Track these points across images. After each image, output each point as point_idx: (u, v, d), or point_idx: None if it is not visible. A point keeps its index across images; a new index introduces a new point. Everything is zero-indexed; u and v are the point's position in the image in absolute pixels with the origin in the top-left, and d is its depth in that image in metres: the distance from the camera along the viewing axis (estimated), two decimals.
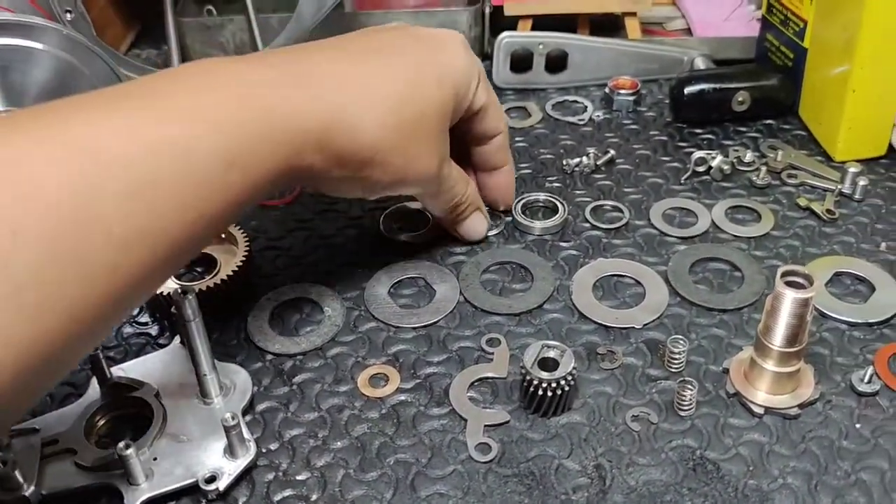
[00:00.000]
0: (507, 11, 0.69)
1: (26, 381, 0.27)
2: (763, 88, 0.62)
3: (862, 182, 0.54)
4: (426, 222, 0.53)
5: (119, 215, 0.29)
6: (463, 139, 0.47)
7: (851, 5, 0.53)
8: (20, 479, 0.36)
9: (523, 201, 0.54)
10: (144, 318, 0.47)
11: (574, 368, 0.39)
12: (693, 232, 0.52)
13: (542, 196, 0.54)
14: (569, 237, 0.52)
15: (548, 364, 0.39)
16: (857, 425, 0.39)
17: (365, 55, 0.41)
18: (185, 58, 0.69)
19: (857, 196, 0.54)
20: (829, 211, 0.52)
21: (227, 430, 0.36)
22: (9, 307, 0.26)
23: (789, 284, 0.37)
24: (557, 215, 0.53)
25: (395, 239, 0.52)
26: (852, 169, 0.54)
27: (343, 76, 0.39)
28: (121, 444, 0.35)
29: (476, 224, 0.50)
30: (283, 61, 0.38)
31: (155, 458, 0.37)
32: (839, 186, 0.54)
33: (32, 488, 0.36)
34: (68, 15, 0.56)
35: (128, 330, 0.46)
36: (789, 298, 0.37)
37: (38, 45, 0.49)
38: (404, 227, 0.53)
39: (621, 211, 0.54)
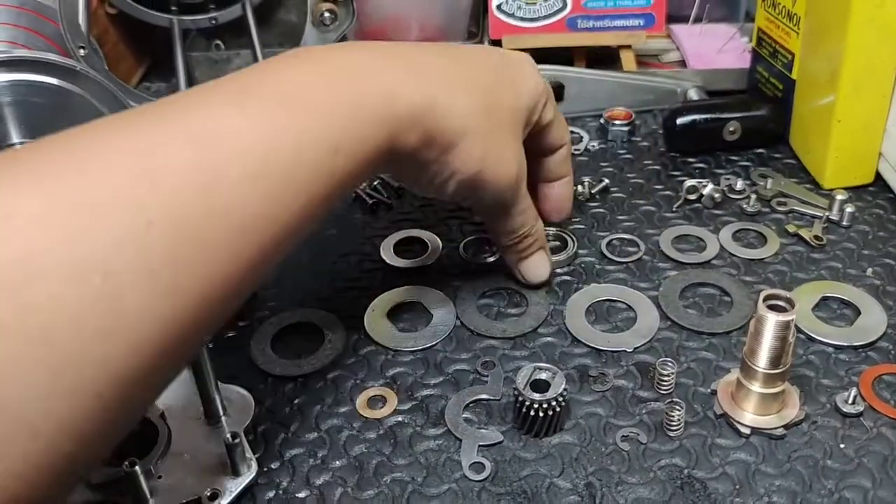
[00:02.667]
0: (505, 45, 0.71)
1: (162, 362, 0.29)
2: (754, 119, 0.64)
3: (849, 209, 0.55)
4: (425, 249, 0.54)
5: (238, 202, 0.30)
6: (530, 152, 0.48)
7: (835, 38, 0.55)
8: None
9: None
10: None
11: (565, 390, 0.40)
12: (695, 259, 0.53)
13: (551, 230, 0.54)
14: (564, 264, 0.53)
15: (539, 386, 0.41)
16: (842, 445, 0.40)
17: (452, 55, 0.44)
18: None
19: (844, 223, 0.55)
20: (816, 237, 0.54)
21: (230, 449, 0.38)
22: (147, 289, 0.27)
23: (771, 308, 0.38)
24: (567, 248, 0.54)
25: (395, 266, 0.53)
26: (840, 196, 0.55)
27: (435, 65, 0.41)
28: (126, 463, 0.36)
29: (539, 264, 0.50)
30: (378, 49, 0.41)
31: (160, 476, 0.39)
32: (827, 213, 0.56)
33: None
34: (81, 51, 0.58)
35: None
36: (771, 321, 0.38)
37: (53, 81, 0.51)
38: (405, 254, 0.54)
39: (636, 245, 0.55)
